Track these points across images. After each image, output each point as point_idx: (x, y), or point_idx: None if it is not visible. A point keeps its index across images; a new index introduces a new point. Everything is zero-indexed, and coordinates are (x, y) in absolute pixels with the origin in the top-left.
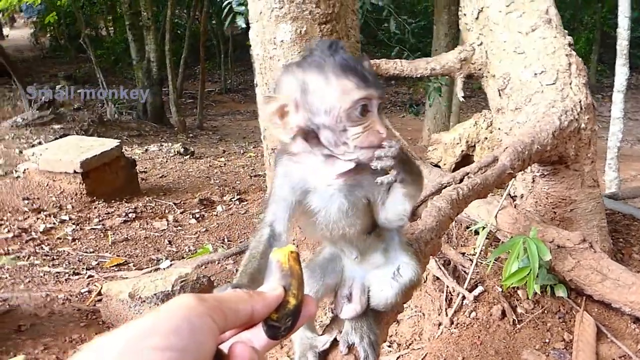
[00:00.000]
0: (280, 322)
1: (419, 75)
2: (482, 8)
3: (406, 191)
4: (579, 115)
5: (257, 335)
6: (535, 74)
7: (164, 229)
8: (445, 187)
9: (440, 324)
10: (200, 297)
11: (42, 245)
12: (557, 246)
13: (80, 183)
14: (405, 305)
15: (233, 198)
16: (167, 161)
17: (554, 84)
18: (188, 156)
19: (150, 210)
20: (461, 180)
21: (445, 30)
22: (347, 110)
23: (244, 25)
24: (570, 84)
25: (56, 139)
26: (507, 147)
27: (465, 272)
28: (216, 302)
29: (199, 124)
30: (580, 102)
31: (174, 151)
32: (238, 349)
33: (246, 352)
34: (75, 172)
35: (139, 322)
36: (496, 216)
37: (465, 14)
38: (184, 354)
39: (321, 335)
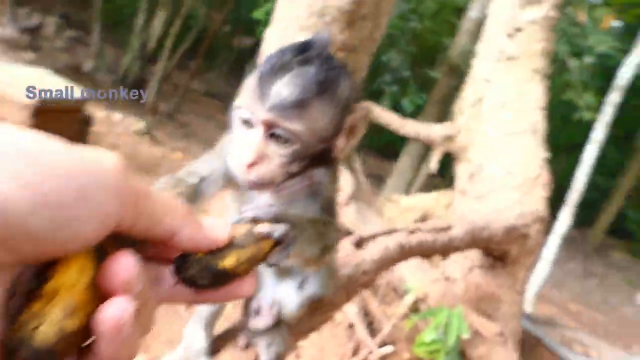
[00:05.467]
0: (197, 265)
1: (401, 134)
2: (480, 98)
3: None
4: (532, 223)
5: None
6: (507, 172)
7: None
8: (396, 232)
9: None
10: (129, 169)
11: None
12: (474, 331)
13: (27, 117)
14: (306, 343)
15: None
16: (124, 135)
17: (519, 187)
18: (147, 138)
19: None
20: (413, 232)
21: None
22: (235, 111)
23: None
24: (533, 192)
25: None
26: (462, 222)
27: (381, 328)
28: (141, 191)
29: (171, 114)
30: (536, 211)
31: (136, 127)
32: (122, 264)
33: (129, 271)
34: (26, 105)
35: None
36: (427, 286)
37: (463, 98)
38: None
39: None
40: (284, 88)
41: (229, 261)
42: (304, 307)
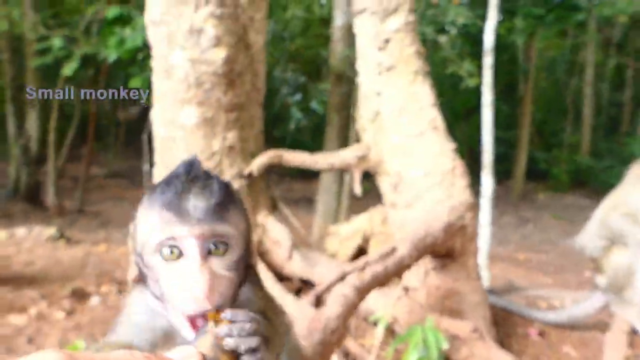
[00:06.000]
0: None
1: (318, 169)
2: (377, 111)
3: None
4: (464, 213)
5: None
6: (424, 174)
7: (24, 326)
8: (348, 274)
9: None
10: (72, 357)
11: None
12: (451, 335)
13: None
14: None
15: (112, 289)
16: (36, 247)
17: (440, 184)
18: (62, 242)
19: (8, 303)
20: (363, 269)
21: (336, 133)
22: (155, 251)
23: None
24: (454, 184)
25: None
26: (403, 239)
27: None
28: None
29: (79, 208)
30: (464, 201)
31: (46, 236)
32: None
33: None
34: None
35: None
36: (393, 307)
37: (362, 116)
38: None
39: None
40: (200, 200)
41: None
42: None
